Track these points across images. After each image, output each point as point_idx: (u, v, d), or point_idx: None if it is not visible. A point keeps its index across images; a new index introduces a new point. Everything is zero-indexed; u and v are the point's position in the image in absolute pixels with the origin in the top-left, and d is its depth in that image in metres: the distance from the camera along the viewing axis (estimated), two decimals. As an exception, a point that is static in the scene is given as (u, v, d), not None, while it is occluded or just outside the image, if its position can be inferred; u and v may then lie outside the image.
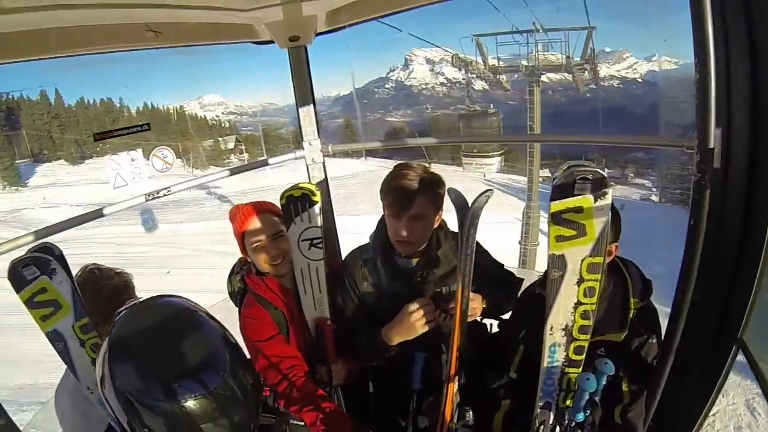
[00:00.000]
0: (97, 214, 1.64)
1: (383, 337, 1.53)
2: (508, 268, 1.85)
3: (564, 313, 1.23)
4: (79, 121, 36.51)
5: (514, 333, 1.60)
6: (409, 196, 1.51)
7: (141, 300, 1.32)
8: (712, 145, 1.12)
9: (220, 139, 42.27)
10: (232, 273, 1.84)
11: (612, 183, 1.15)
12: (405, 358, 1.55)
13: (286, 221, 1.64)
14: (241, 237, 1.68)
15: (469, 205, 1.38)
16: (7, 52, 1.26)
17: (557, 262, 1.20)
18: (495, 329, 1.91)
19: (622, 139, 1.55)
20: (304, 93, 2.27)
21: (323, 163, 2.40)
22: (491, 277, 1.70)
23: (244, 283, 1.75)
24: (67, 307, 1.27)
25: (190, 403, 0.77)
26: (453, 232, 1.66)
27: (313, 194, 1.60)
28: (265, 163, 2.57)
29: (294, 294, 1.70)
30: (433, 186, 1.56)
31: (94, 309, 1.38)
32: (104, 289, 1.46)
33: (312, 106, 2.31)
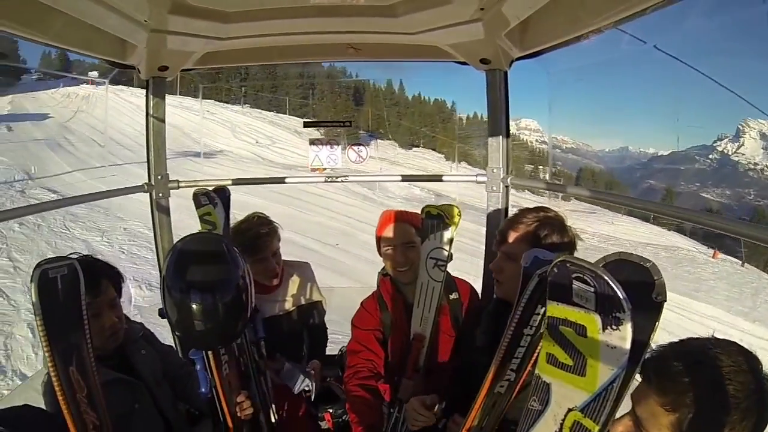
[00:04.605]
0: (279, 180, 2.33)
1: None
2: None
3: (528, 465, 0.84)
4: (414, 113, 45.16)
5: None
6: (503, 232, 1.42)
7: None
8: None
9: (539, 167, 48.47)
10: (382, 269, 2.09)
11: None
12: None
13: (423, 235, 1.68)
14: (378, 240, 1.86)
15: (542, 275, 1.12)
16: (242, 59, 2.02)
17: (540, 390, 0.82)
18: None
19: None
20: (497, 119, 2.20)
21: (503, 192, 2.30)
22: None
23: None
24: (219, 229, 1.82)
25: (191, 305, 1.20)
26: None
27: (448, 217, 1.62)
28: (439, 178, 2.72)
29: (409, 304, 1.76)
30: (540, 228, 1.35)
31: (236, 240, 1.87)
32: (250, 230, 1.96)
33: (503, 135, 2.21)
